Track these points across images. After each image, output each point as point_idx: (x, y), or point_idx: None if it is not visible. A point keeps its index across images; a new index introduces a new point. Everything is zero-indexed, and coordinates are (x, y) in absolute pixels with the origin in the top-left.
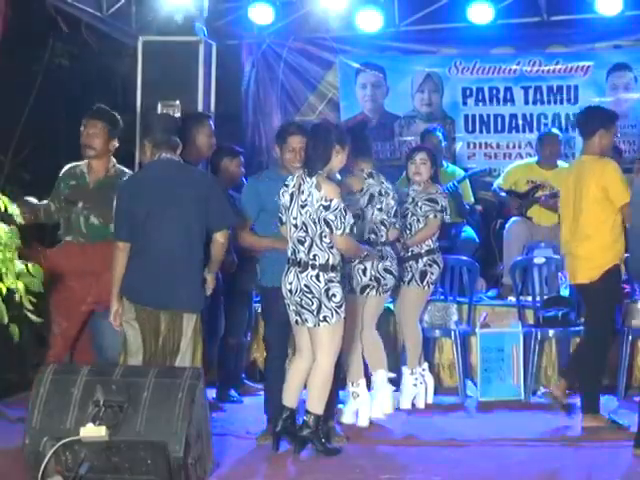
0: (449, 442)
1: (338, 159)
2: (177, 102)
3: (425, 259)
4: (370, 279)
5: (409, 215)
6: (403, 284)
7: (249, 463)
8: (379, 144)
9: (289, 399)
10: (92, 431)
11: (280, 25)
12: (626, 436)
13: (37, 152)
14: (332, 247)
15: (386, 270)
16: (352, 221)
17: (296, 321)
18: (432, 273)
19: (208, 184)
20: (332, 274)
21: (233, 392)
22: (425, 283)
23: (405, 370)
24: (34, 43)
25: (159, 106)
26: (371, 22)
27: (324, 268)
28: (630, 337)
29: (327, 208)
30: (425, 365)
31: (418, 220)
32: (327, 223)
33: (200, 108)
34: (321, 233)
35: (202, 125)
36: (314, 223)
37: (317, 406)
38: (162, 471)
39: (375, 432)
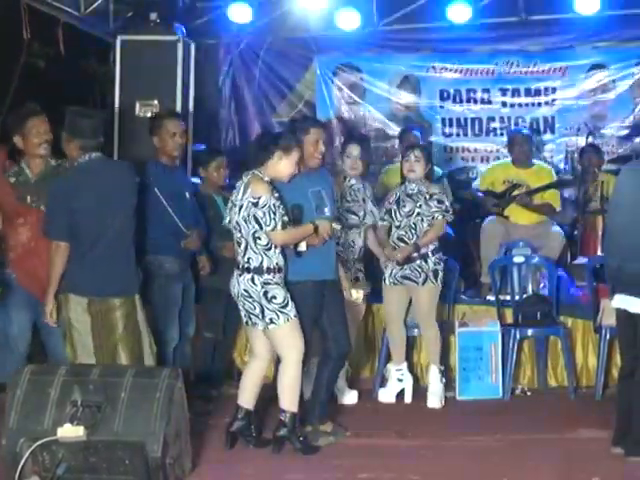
0: (428, 440)
1: (282, 164)
2: (155, 101)
3: (434, 258)
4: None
5: (414, 215)
6: (417, 285)
7: (228, 463)
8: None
9: (245, 399)
10: (70, 431)
11: (258, 24)
12: (604, 435)
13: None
14: (268, 249)
15: None
16: (285, 217)
17: (246, 322)
18: (442, 271)
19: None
20: (268, 276)
21: (213, 392)
22: (439, 281)
23: (434, 368)
24: (10, 43)
25: (137, 105)
26: (350, 22)
27: (258, 271)
28: (607, 336)
29: (256, 205)
30: (404, 365)
31: (422, 220)
32: (256, 220)
33: (178, 107)
34: (254, 233)
35: (169, 123)
36: (245, 222)
37: (291, 404)
38: (140, 471)
39: (353, 429)
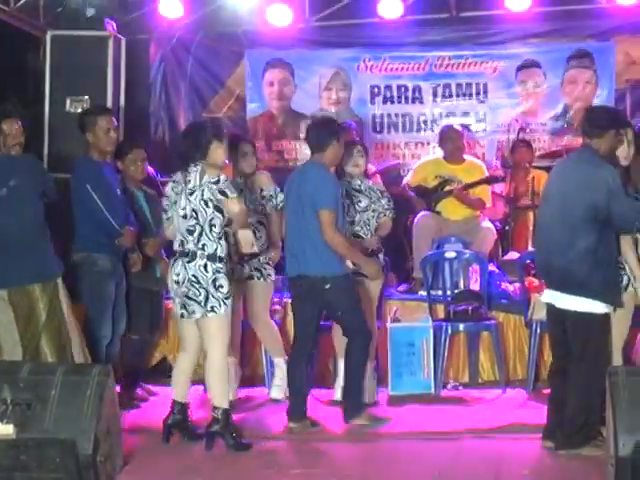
0: (360, 437)
1: (218, 153)
2: (86, 97)
3: (382, 255)
4: None
5: (369, 210)
6: (365, 279)
7: (160, 460)
8: (283, 143)
9: (179, 394)
10: None
11: (190, 20)
12: (535, 429)
13: None
14: (220, 238)
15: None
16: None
17: (181, 314)
18: (386, 267)
19: (39, 167)
20: (219, 264)
21: (137, 391)
22: (384, 276)
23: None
24: None
25: (67, 101)
26: (281, 17)
27: (212, 258)
28: (538, 331)
29: (217, 182)
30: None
31: (374, 216)
32: (221, 192)
33: (109, 103)
34: (211, 220)
35: (102, 119)
36: (205, 205)
37: (221, 400)
38: (71, 469)
39: (285, 426)
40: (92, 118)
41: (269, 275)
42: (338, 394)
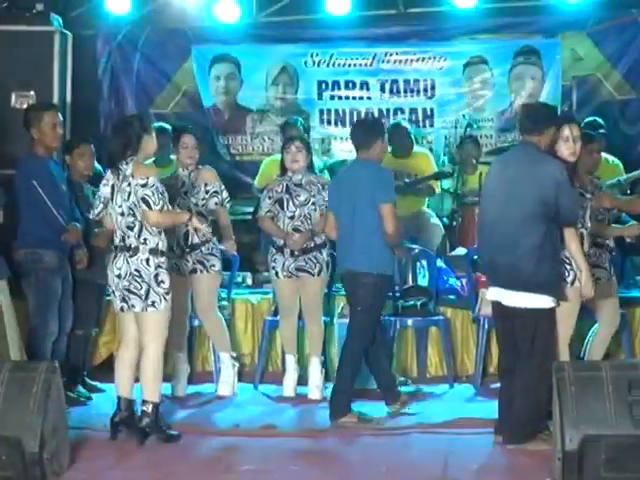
0: (309, 432)
1: (149, 145)
2: (32, 93)
3: (326, 249)
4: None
5: (309, 204)
6: (312, 276)
7: (106, 457)
8: (229, 138)
9: (123, 389)
10: None
11: (137, 15)
12: (483, 423)
13: None
14: (161, 232)
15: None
16: (167, 200)
17: (121, 308)
18: (332, 263)
19: None
20: (161, 259)
21: (81, 388)
22: (329, 272)
23: (315, 360)
24: None
25: (13, 97)
26: (228, 13)
27: (154, 252)
28: (486, 326)
29: (144, 185)
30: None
31: (316, 209)
32: (145, 200)
33: (55, 99)
34: None
35: (48, 115)
36: (136, 206)
37: (153, 394)
38: (17, 467)
39: (235, 422)
40: (37, 114)
41: (212, 266)
42: (288, 390)
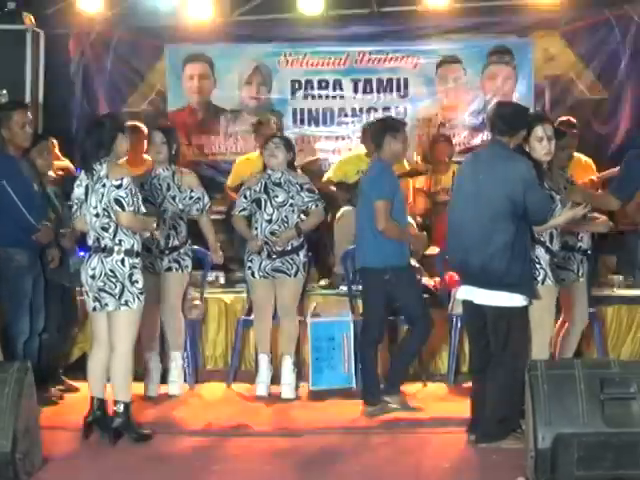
0: (281, 431)
1: (122, 146)
2: (4, 91)
3: (304, 251)
4: None
5: (286, 205)
6: (289, 277)
7: (79, 457)
8: (203, 138)
9: (95, 389)
10: None
11: (110, 14)
12: (456, 422)
13: None
14: (135, 232)
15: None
16: (141, 202)
17: (94, 308)
18: (308, 262)
19: None
20: (136, 260)
21: (53, 390)
22: (306, 272)
23: (288, 359)
24: None
25: None
26: (201, 12)
27: (129, 253)
28: (459, 324)
29: (119, 187)
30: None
31: (294, 211)
32: (118, 201)
33: (27, 98)
34: None
35: (17, 115)
36: (110, 207)
37: (124, 394)
38: None
39: (207, 422)
40: (7, 113)
41: (187, 267)
42: (261, 389)
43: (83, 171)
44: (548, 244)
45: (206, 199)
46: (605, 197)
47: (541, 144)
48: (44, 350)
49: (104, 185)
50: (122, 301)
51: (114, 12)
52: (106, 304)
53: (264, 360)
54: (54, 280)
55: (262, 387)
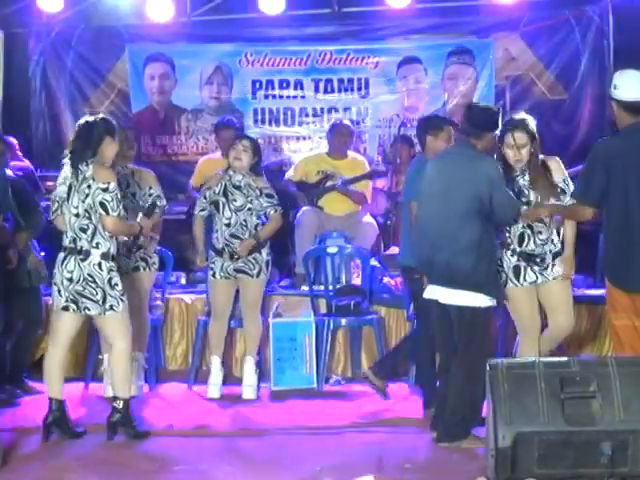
0: (243, 431)
1: (109, 150)
2: None
3: (266, 249)
4: None
5: (244, 209)
6: (251, 277)
7: (39, 459)
8: (165, 138)
9: (54, 390)
10: None
11: (70, 13)
12: (417, 422)
13: None
14: (111, 236)
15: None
16: (123, 207)
17: (67, 307)
18: (271, 263)
19: None
20: (112, 263)
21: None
22: (268, 272)
23: (250, 359)
24: None
25: None
26: (162, 12)
27: (106, 257)
28: None
29: (105, 190)
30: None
31: (252, 214)
32: (103, 205)
33: None
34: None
35: None
36: (93, 209)
37: (124, 391)
38: None
39: (168, 422)
40: None
41: (154, 264)
42: (212, 392)
43: (68, 169)
44: (516, 246)
45: (164, 200)
46: (573, 210)
47: (512, 151)
48: (6, 351)
49: (89, 186)
50: (107, 306)
51: (74, 11)
52: (87, 308)
53: (216, 362)
54: (12, 282)
55: (214, 389)
